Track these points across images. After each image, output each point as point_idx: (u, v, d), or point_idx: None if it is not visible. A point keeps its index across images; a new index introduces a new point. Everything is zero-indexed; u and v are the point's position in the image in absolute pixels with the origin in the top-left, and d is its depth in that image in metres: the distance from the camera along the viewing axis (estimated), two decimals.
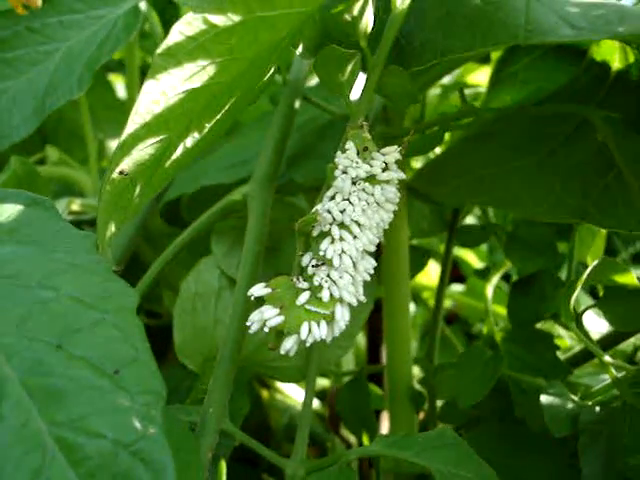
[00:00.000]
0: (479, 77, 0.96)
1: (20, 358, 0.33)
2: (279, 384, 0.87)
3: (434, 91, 0.93)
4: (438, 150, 0.77)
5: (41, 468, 0.30)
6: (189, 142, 0.46)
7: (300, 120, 0.68)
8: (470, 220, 0.96)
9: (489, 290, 0.74)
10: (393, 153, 0.44)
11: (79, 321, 0.35)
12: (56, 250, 0.39)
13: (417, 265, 0.73)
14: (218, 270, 0.59)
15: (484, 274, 0.77)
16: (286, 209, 0.62)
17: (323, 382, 0.91)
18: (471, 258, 1.18)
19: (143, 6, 0.75)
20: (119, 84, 1.19)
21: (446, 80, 0.92)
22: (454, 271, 1.30)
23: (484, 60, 0.80)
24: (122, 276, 0.75)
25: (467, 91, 0.92)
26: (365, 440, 0.68)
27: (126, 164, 0.42)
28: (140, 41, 1.03)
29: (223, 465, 0.60)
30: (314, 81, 0.79)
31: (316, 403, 0.89)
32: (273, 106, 0.76)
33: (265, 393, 0.86)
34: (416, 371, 0.75)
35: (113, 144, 1.12)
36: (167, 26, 0.89)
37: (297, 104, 0.63)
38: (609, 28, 0.41)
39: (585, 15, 0.42)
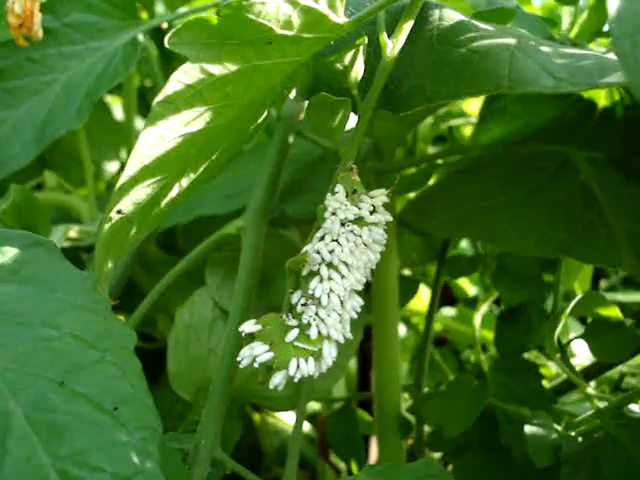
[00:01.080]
0: (473, 105, 0.97)
1: (25, 394, 0.34)
2: None
3: (427, 120, 0.95)
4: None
5: None
6: (184, 182, 0.47)
7: (293, 153, 0.70)
8: (462, 244, 0.98)
9: (477, 319, 0.76)
10: (381, 196, 0.46)
11: (80, 359, 0.37)
12: (58, 290, 0.40)
13: (407, 294, 0.74)
14: (212, 302, 0.61)
15: (473, 303, 0.78)
16: (279, 242, 0.63)
17: (315, 406, 0.92)
18: (463, 282, 1.19)
19: (141, 37, 0.77)
20: (116, 106, 1.21)
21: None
22: (447, 294, 1.31)
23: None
24: (118, 301, 0.76)
25: (460, 120, 0.94)
26: (354, 467, 0.69)
27: (124, 204, 0.44)
28: (137, 65, 1.05)
29: None
30: None
31: (307, 427, 0.91)
32: (268, 137, 0.78)
33: (257, 416, 0.87)
34: (405, 397, 0.77)
35: (110, 166, 1.13)
36: (164, 55, 0.91)
37: (291, 138, 0.65)
38: (589, 80, 0.43)
39: (567, 67, 0.44)
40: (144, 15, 0.84)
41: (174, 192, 0.47)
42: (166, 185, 0.46)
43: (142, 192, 0.44)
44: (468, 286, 1.15)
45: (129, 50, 0.73)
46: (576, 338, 0.68)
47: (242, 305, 0.54)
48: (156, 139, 0.42)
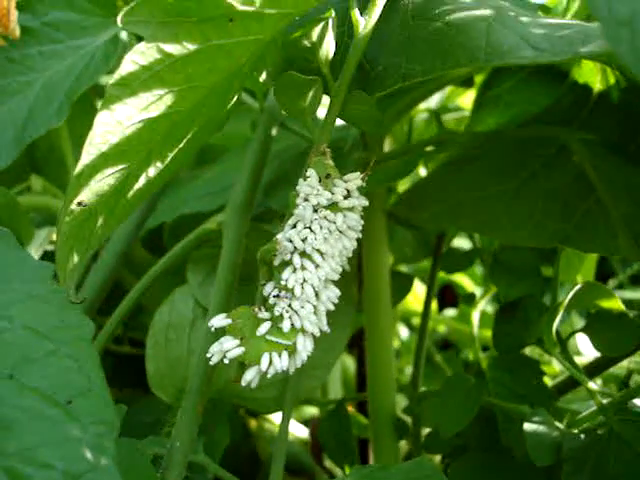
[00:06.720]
0: (467, 100, 0.95)
1: None
2: None
3: (422, 115, 0.92)
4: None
5: None
6: (152, 172, 0.45)
7: (278, 147, 0.68)
8: (460, 242, 0.95)
9: (475, 316, 0.73)
10: (355, 180, 0.43)
11: (33, 351, 0.35)
12: (12, 280, 0.38)
13: (400, 291, 0.72)
14: (193, 300, 0.58)
15: (470, 300, 0.75)
16: (262, 237, 0.61)
17: (312, 411, 0.89)
18: (467, 283, 1.17)
19: (124, 36, 0.75)
20: None
21: (434, 104, 0.92)
22: (451, 296, 1.29)
23: (468, 84, 0.80)
24: (104, 305, 0.73)
25: (454, 115, 0.91)
26: (347, 471, 0.67)
27: (85, 195, 0.42)
28: None
29: None
30: None
31: (305, 433, 0.88)
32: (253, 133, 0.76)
33: (253, 422, 0.85)
34: (403, 399, 0.74)
35: None
36: None
37: (274, 131, 0.63)
38: (571, 49, 0.41)
39: (548, 36, 0.42)
40: None
41: (141, 182, 0.45)
42: (130, 175, 0.44)
43: (104, 182, 0.42)
44: (471, 286, 1.12)
45: (110, 47, 0.71)
46: (577, 332, 0.65)
47: (221, 301, 0.52)
48: (113, 125, 0.40)
